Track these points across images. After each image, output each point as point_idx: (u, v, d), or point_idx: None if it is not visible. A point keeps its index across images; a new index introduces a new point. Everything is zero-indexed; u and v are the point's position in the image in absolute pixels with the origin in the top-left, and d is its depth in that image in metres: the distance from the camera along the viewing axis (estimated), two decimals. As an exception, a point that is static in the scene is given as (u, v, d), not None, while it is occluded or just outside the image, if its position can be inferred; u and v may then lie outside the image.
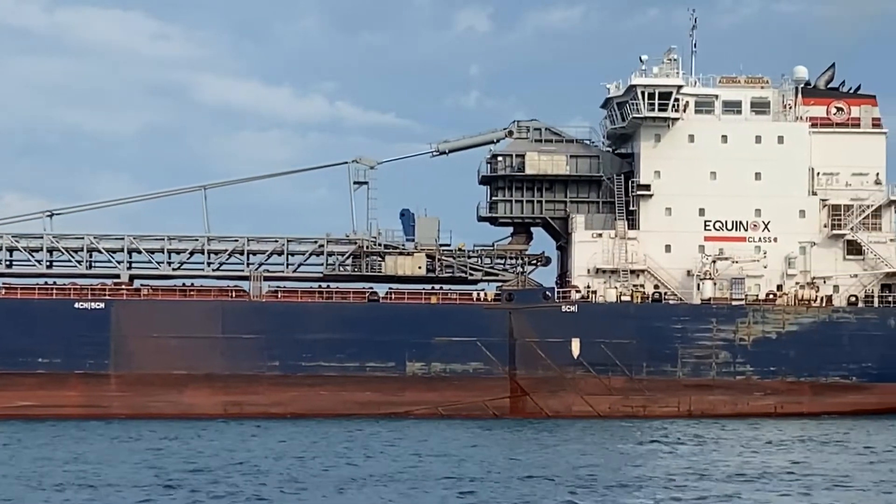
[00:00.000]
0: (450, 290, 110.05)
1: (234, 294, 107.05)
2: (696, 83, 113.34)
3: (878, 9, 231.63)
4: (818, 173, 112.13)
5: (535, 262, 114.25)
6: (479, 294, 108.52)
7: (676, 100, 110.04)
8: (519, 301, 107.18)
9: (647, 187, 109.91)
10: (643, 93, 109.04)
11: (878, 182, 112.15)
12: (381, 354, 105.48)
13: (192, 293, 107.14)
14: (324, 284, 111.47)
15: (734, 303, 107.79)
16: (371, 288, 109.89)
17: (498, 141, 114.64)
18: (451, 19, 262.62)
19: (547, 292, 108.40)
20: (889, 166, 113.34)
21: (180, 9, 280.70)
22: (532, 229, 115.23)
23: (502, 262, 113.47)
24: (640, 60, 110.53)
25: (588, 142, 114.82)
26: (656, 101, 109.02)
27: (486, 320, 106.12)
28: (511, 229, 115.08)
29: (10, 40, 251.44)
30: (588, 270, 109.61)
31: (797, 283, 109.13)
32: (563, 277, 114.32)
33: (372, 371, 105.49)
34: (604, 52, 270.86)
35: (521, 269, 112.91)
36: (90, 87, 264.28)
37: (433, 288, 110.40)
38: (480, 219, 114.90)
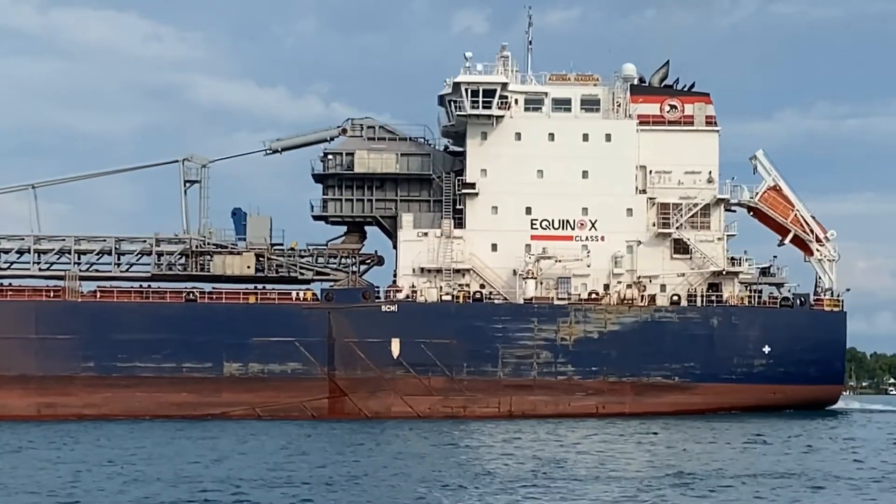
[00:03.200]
0: (272, 289, 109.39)
1: (51, 294, 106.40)
2: (531, 80, 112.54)
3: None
4: (651, 171, 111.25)
5: (368, 261, 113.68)
6: (298, 294, 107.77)
7: (504, 97, 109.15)
8: (338, 301, 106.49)
9: (473, 185, 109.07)
10: (467, 90, 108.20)
11: (710, 180, 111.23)
12: (198, 355, 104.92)
13: (7, 293, 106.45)
14: (152, 284, 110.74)
15: (557, 302, 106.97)
16: (195, 288, 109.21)
17: (332, 139, 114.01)
18: (449, 21, 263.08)
19: (367, 292, 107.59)
20: (723, 165, 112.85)
21: (174, 10, 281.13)
22: (367, 228, 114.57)
23: (336, 261, 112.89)
24: (465, 58, 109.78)
25: (422, 140, 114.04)
26: (480, 99, 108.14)
27: (305, 320, 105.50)
28: (345, 228, 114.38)
29: (4, 41, 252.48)
30: (413, 270, 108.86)
31: (620, 283, 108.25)
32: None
33: (189, 372, 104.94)
34: (601, 53, 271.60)
35: (356, 269, 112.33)
36: (84, 88, 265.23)
37: (255, 288, 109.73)
38: (315, 218, 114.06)
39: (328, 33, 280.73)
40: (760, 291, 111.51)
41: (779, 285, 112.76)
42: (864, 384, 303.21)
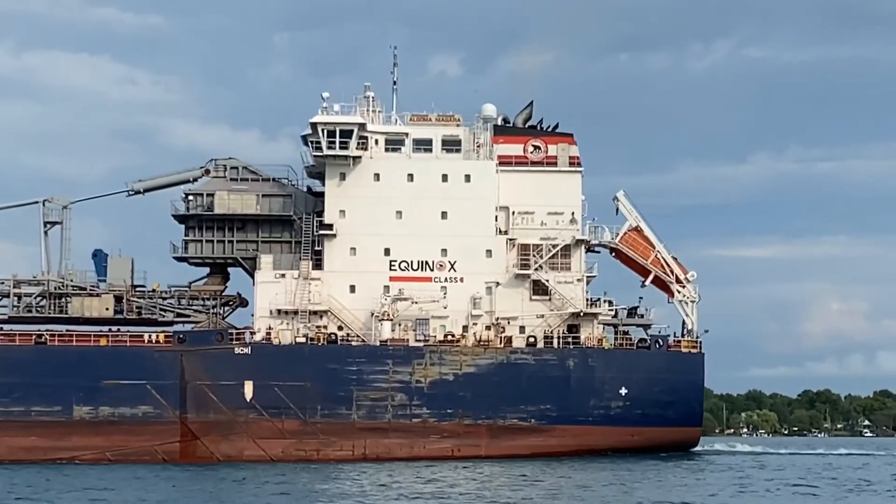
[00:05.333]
0: (126, 331, 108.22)
1: None
2: (396, 121, 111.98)
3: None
4: (513, 212, 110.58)
5: (231, 303, 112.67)
6: (150, 336, 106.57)
7: (364, 138, 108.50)
8: (191, 343, 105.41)
9: (331, 227, 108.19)
10: (324, 130, 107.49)
11: (573, 221, 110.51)
12: (48, 398, 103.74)
13: None
14: (12, 326, 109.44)
15: (413, 344, 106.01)
16: (48, 330, 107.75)
17: (195, 180, 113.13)
18: (424, 65, 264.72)
19: (220, 334, 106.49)
20: (591, 205, 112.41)
21: (148, 54, 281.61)
22: (231, 270, 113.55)
23: (198, 303, 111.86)
24: (322, 98, 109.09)
25: (286, 180, 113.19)
26: (337, 139, 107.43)
27: (157, 363, 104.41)
28: (208, 269, 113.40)
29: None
30: (271, 311, 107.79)
31: (477, 324, 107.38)
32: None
33: (37, 415, 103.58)
34: (575, 96, 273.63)
35: (217, 311, 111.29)
36: (57, 131, 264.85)
37: (109, 330, 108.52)
38: (177, 259, 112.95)
39: (303, 77, 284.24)
40: (627, 332, 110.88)
41: (646, 326, 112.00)
42: (838, 426, 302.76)
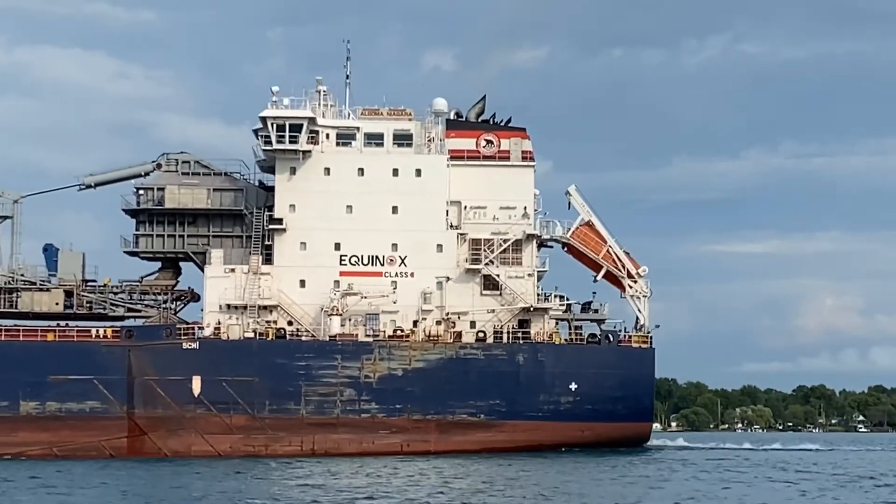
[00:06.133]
0: (74, 326, 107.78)
1: None
2: (349, 115, 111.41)
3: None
4: (466, 207, 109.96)
5: (182, 297, 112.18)
6: (98, 331, 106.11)
7: (314, 132, 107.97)
8: (139, 338, 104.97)
9: (281, 221, 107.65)
10: (273, 124, 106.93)
11: (525, 216, 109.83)
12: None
13: None
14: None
15: (362, 339, 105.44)
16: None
17: (147, 174, 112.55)
18: (418, 60, 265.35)
19: (169, 329, 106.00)
20: (546, 200, 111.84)
21: (142, 49, 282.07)
22: (183, 264, 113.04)
23: (149, 297, 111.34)
24: (272, 92, 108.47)
25: (238, 174, 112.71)
26: (286, 133, 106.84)
27: (104, 358, 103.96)
28: (160, 264, 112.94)
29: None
30: (220, 306, 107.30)
31: (426, 319, 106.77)
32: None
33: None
34: (569, 91, 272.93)
35: (168, 306, 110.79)
36: (50, 126, 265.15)
37: (57, 325, 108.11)
38: (128, 253, 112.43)
39: (298, 71, 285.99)
40: (580, 327, 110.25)
41: (599, 321, 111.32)
42: (833, 422, 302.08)
